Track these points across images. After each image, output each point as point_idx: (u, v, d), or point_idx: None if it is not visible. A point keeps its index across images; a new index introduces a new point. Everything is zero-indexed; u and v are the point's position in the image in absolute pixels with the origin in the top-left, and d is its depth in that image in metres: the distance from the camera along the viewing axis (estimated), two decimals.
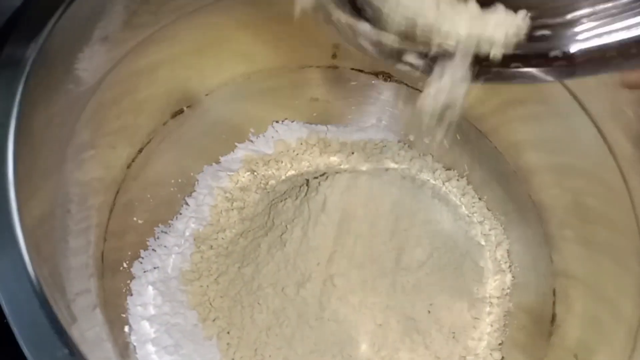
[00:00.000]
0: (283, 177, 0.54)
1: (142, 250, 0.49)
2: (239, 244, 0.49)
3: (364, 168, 0.54)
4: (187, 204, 0.53)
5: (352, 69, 0.57)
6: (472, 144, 0.56)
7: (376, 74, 0.57)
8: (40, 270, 0.27)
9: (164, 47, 0.45)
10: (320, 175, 0.49)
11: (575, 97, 0.44)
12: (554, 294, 0.50)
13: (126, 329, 0.45)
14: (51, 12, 0.33)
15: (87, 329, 0.37)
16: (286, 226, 0.46)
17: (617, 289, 0.43)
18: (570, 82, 0.44)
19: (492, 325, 0.49)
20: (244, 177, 0.54)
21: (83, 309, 0.38)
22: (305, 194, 0.47)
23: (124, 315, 0.45)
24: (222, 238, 0.50)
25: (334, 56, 0.56)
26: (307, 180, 0.50)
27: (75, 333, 0.33)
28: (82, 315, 0.37)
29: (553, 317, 0.49)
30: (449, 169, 0.57)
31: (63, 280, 0.36)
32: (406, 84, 0.57)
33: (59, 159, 0.36)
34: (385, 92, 0.58)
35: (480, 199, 0.55)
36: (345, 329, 0.44)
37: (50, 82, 0.33)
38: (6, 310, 0.25)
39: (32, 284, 0.25)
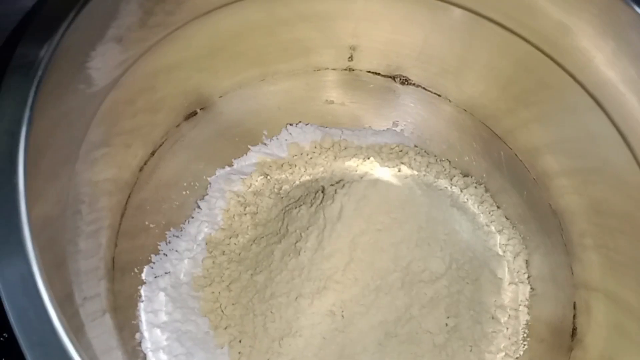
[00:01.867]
0: (297, 182, 0.53)
1: (153, 255, 0.48)
2: (251, 250, 0.48)
3: (380, 174, 0.52)
4: (199, 207, 0.52)
5: (369, 71, 0.56)
6: (490, 150, 0.55)
7: (393, 77, 0.56)
8: (48, 277, 0.26)
9: (178, 49, 0.44)
10: (337, 182, 0.48)
11: (595, 99, 0.42)
12: (575, 307, 0.49)
13: (137, 336, 0.44)
14: (65, 12, 0.32)
15: (96, 335, 0.36)
16: (301, 234, 0.45)
17: None
18: (594, 89, 0.43)
19: (510, 338, 0.48)
20: (257, 181, 0.53)
21: (92, 314, 0.38)
22: (321, 202, 0.46)
23: (134, 322, 0.44)
24: (235, 243, 0.49)
25: (350, 58, 0.55)
26: (323, 187, 0.49)
27: (84, 340, 0.32)
28: (91, 321, 0.37)
29: (574, 331, 0.47)
30: (466, 176, 0.56)
31: (72, 284, 0.35)
32: (423, 88, 0.56)
33: (71, 160, 0.35)
34: (402, 95, 0.57)
35: (498, 207, 0.54)
36: (361, 341, 0.43)
37: (63, 83, 0.33)
38: (12, 320, 0.24)
39: (40, 295, 0.24)
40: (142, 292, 0.46)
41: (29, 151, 0.27)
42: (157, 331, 0.45)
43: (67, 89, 0.33)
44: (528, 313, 0.50)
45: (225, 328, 0.45)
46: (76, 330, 0.30)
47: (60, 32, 0.31)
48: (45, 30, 0.31)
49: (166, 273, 0.48)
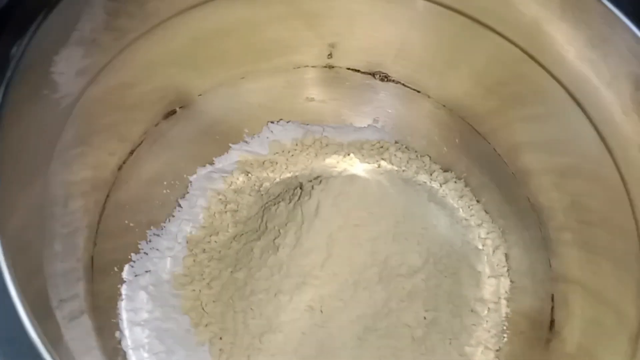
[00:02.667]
0: (277, 180, 0.53)
1: (133, 254, 0.48)
2: (232, 247, 0.48)
3: (360, 170, 0.53)
4: (180, 206, 0.52)
5: (348, 68, 0.56)
6: (470, 145, 0.55)
7: (373, 74, 0.56)
8: (20, 282, 0.26)
9: (155, 47, 0.44)
10: (314, 179, 0.48)
11: (574, 98, 0.43)
12: (553, 299, 0.49)
13: (117, 334, 0.44)
14: (35, 13, 0.32)
15: (75, 336, 0.36)
16: (279, 230, 0.45)
17: (617, 293, 0.42)
18: (570, 84, 0.43)
19: (489, 331, 0.48)
20: (238, 179, 0.53)
21: (70, 315, 0.37)
22: (299, 198, 0.46)
23: (114, 321, 0.44)
24: (215, 241, 0.49)
25: (330, 56, 0.55)
26: (301, 184, 0.49)
27: (61, 342, 0.32)
28: (69, 322, 0.37)
29: (552, 323, 0.48)
30: (446, 171, 0.56)
31: (48, 286, 0.35)
32: (403, 84, 0.56)
33: (45, 162, 0.35)
34: (382, 92, 0.57)
35: (478, 201, 0.54)
36: (340, 336, 0.43)
37: (35, 86, 0.32)
38: None
39: (11, 299, 0.24)
40: (123, 290, 0.46)
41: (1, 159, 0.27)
42: (138, 329, 0.45)
43: (38, 91, 0.33)
44: (507, 306, 0.50)
45: (206, 325, 0.45)
46: (52, 333, 0.30)
47: (30, 33, 0.31)
48: (15, 32, 0.31)
49: (147, 272, 0.48)
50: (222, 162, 0.55)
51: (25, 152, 0.32)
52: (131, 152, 0.49)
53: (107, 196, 0.46)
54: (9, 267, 0.26)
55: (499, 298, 0.50)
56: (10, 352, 0.24)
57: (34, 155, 0.33)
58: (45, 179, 0.35)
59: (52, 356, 0.25)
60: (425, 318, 0.45)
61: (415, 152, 0.57)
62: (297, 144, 0.56)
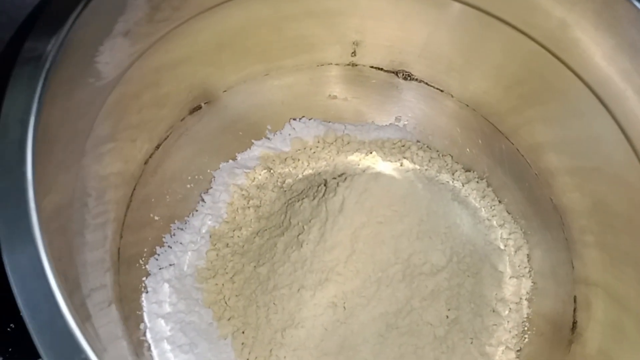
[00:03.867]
0: (300, 176, 0.54)
1: (158, 247, 0.49)
2: (254, 242, 0.49)
3: (382, 168, 0.53)
4: (203, 200, 0.52)
5: (372, 67, 0.57)
6: (493, 145, 0.55)
7: (396, 73, 0.56)
8: (56, 266, 0.26)
9: (183, 44, 0.45)
10: (339, 176, 0.49)
11: (598, 97, 0.43)
12: (575, 301, 0.49)
13: (141, 326, 0.44)
14: (72, 6, 0.32)
15: (102, 325, 0.37)
16: (303, 227, 0.46)
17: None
18: (595, 85, 0.43)
19: (510, 332, 0.48)
20: (260, 174, 0.54)
21: (98, 304, 0.38)
22: (323, 195, 0.47)
23: (139, 313, 0.45)
24: (238, 236, 0.50)
25: (354, 54, 0.56)
26: (325, 180, 0.49)
27: (90, 330, 0.33)
28: (98, 311, 0.37)
29: (574, 325, 0.48)
30: (468, 171, 0.56)
31: (79, 275, 0.36)
32: (426, 83, 0.56)
33: (78, 153, 0.36)
34: (405, 90, 0.57)
35: (500, 201, 0.54)
36: (362, 333, 0.44)
37: (70, 77, 0.33)
38: (21, 305, 0.25)
39: (48, 281, 0.25)
40: (147, 283, 0.47)
41: (38, 141, 0.27)
42: (161, 322, 0.45)
43: (74, 82, 0.33)
44: (529, 307, 0.50)
45: (229, 319, 0.46)
46: (84, 319, 0.31)
47: (67, 26, 0.32)
48: (54, 24, 0.32)
49: (170, 265, 0.48)
50: (244, 158, 0.55)
51: (62, 138, 0.32)
52: (157, 147, 0.50)
53: (134, 190, 0.47)
54: (45, 248, 0.26)
55: (520, 299, 0.50)
56: (47, 336, 0.25)
57: (70, 143, 0.34)
58: (79, 168, 0.36)
59: (85, 338, 0.26)
60: (447, 317, 0.45)
61: (437, 151, 0.57)
62: (318, 141, 0.56)
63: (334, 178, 0.48)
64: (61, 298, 0.25)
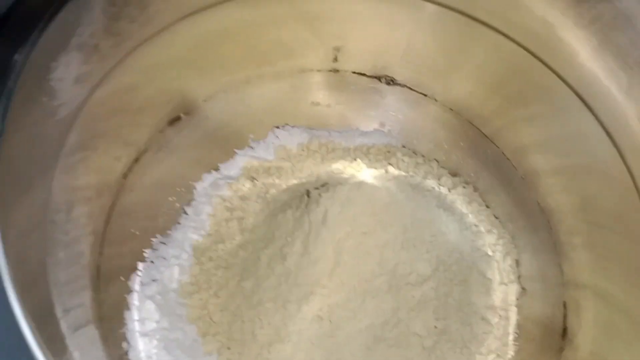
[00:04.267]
0: (284, 186, 0.53)
1: (139, 262, 0.48)
2: (239, 256, 0.48)
3: (367, 176, 0.52)
4: (185, 213, 0.51)
5: (354, 72, 0.56)
6: (478, 148, 0.54)
7: (379, 78, 0.56)
8: (23, 292, 0.25)
9: (159, 53, 0.44)
10: (322, 186, 0.48)
11: (580, 96, 0.42)
12: (565, 306, 0.49)
13: (124, 345, 0.43)
14: (37, 19, 0.31)
15: (80, 346, 0.36)
16: (287, 239, 0.45)
17: (631, 298, 0.42)
18: (575, 81, 0.42)
19: (500, 339, 0.48)
20: (244, 185, 0.53)
21: (75, 325, 0.37)
22: (306, 206, 0.46)
23: (121, 331, 0.44)
24: (222, 249, 0.49)
25: (335, 59, 0.55)
26: (308, 191, 0.48)
27: (66, 353, 0.32)
28: (74, 331, 0.36)
29: (564, 330, 0.47)
30: (455, 175, 0.55)
31: (52, 295, 0.34)
32: (409, 88, 0.56)
33: (47, 169, 0.35)
34: (389, 96, 0.56)
35: (487, 206, 0.54)
36: (349, 346, 0.43)
37: (37, 92, 0.32)
38: None
39: (13, 313, 0.24)
40: (130, 300, 0.45)
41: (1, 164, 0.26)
42: (145, 340, 0.44)
43: (39, 98, 0.32)
44: (518, 313, 0.49)
45: (214, 335, 0.45)
46: (55, 343, 0.30)
47: (32, 39, 0.31)
48: (17, 38, 0.31)
49: (154, 280, 0.47)
50: (227, 168, 0.54)
51: (25, 158, 0.31)
52: (136, 159, 0.48)
53: (113, 204, 0.46)
54: (10, 275, 0.25)
55: (510, 305, 0.49)
56: None
57: (35, 162, 0.33)
58: (48, 185, 0.35)
59: None
60: (435, 327, 0.45)
61: (423, 156, 0.56)
62: (303, 149, 0.55)
63: (317, 188, 0.48)
64: (26, 326, 0.24)
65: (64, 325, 0.34)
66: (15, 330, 0.24)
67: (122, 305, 0.45)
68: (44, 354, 0.24)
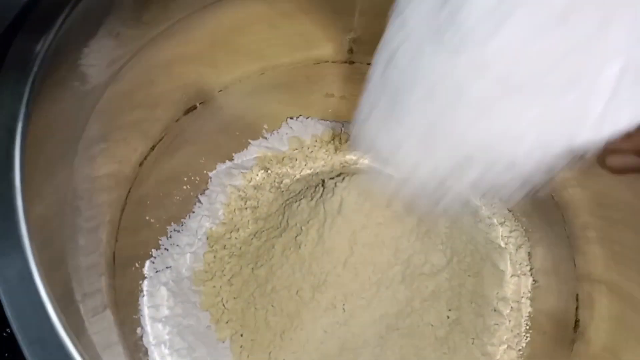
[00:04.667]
0: (297, 176, 0.53)
1: (154, 250, 0.48)
2: (252, 244, 0.48)
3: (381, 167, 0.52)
4: (200, 202, 0.52)
5: (369, 64, 0.55)
6: None
7: None
8: (46, 274, 0.26)
9: (177, 44, 0.44)
10: (337, 176, 0.48)
11: None
12: (577, 299, 0.48)
13: (138, 330, 0.44)
14: (61, 7, 0.32)
15: (97, 331, 0.36)
16: (301, 228, 0.45)
17: None
18: None
19: (512, 330, 0.48)
20: (257, 175, 0.53)
21: (93, 310, 0.38)
22: (321, 195, 0.46)
23: (135, 317, 0.44)
24: (236, 238, 0.49)
25: (350, 51, 0.55)
26: (323, 181, 0.48)
27: (84, 336, 0.32)
28: (92, 316, 0.37)
29: (576, 323, 0.47)
30: None
31: (72, 280, 0.35)
32: None
33: (69, 156, 0.35)
34: None
35: (500, 199, 0.54)
36: (362, 335, 0.43)
37: (59, 79, 0.32)
38: (10, 317, 0.24)
39: (38, 293, 0.24)
40: (144, 286, 0.46)
41: (26, 147, 0.27)
42: (159, 325, 0.45)
43: (64, 84, 0.33)
44: (530, 305, 0.49)
45: (227, 322, 0.45)
46: (76, 326, 0.30)
47: (56, 27, 0.31)
48: (41, 26, 0.31)
49: (167, 267, 0.48)
50: (241, 158, 0.55)
51: (51, 142, 0.32)
52: (152, 148, 0.49)
53: (129, 192, 0.47)
54: (34, 256, 0.26)
55: (522, 297, 0.49)
56: (38, 350, 0.24)
57: (60, 146, 0.33)
58: (70, 171, 0.35)
59: (77, 349, 0.25)
60: (448, 317, 0.45)
61: None
62: (316, 140, 0.55)
63: (332, 178, 0.48)
64: (52, 310, 0.24)
65: (82, 310, 0.35)
66: (40, 313, 0.25)
67: (137, 292, 0.46)
68: (69, 336, 0.25)
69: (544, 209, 0.51)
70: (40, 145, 0.30)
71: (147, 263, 0.47)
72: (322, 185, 0.47)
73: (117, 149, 0.43)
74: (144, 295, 0.45)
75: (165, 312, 0.45)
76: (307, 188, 0.50)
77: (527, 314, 0.49)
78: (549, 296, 0.49)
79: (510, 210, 0.53)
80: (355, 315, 0.43)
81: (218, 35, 0.47)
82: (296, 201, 0.48)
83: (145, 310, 0.45)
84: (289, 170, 0.54)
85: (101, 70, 0.37)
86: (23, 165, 0.26)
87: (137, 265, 0.46)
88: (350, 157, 0.54)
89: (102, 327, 0.39)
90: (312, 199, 0.46)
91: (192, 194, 0.52)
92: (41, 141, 0.29)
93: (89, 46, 0.35)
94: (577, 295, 0.48)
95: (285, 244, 0.46)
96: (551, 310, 0.49)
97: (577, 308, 0.48)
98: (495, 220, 0.52)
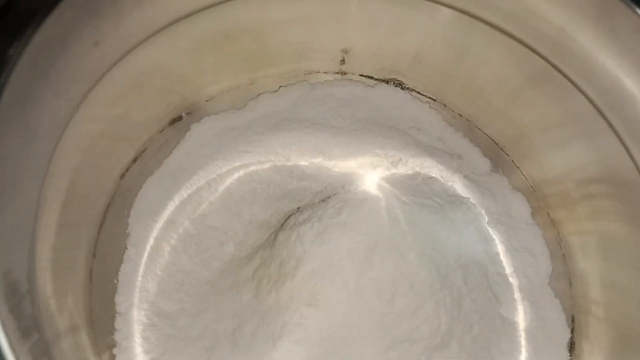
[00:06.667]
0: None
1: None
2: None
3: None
4: None
5: (362, 75, 0.54)
6: (487, 154, 0.53)
7: (386, 81, 0.54)
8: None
9: (162, 51, 0.42)
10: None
11: (595, 106, 0.41)
12: (573, 320, 0.47)
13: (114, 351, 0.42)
14: (35, 13, 0.30)
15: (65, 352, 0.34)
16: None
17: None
18: (595, 94, 0.41)
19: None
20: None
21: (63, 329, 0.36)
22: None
23: (111, 337, 0.42)
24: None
25: (342, 62, 0.53)
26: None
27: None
28: (63, 337, 0.35)
29: (572, 346, 0.46)
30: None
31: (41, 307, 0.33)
32: (417, 92, 0.54)
33: (40, 173, 0.33)
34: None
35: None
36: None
37: (31, 87, 0.31)
38: None
39: None
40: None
41: None
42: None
43: (35, 95, 0.31)
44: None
45: None
46: (41, 354, 0.28)
47: (29, 32, 0.29)
48: (15, 30, 0.29)
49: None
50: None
51: (16, 159, 0.30)
52: (134, 160, 0.47)
53: (109, 205, 0.45)
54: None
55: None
56: None
57: (28, 163, 0.31)
58: (42, 187, 0.33)
59: None
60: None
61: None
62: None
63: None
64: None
65: (49, 332, 0.33)
66: None
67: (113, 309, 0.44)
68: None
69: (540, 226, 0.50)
70: (6, 162, 0.28)
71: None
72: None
73: (94, 162, 0.41)
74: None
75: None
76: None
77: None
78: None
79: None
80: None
81: (205, 44, 0.46)
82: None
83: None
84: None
85: (78, 79, 0.35)
86: None
87: (115, 281, 0.44)
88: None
89: (72, 346, 0.37)
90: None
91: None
92: (7, 159, 0.27)
93: (68, 53, 0.33)
94: (572, 316, 0.47)
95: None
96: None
97: (572, 329, 0.47)
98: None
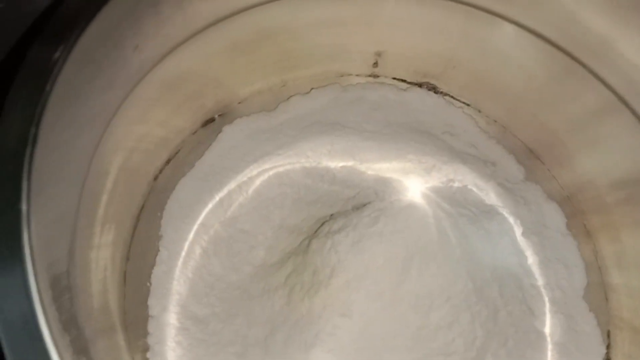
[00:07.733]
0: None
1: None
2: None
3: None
4: None
5: (394, 78, 0.54)
6: (523, 162, 0.52)
7: (420, 85, 0.53)
8: (49, 311, 0.24)
9: (196, 55, 0.42)
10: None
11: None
12: (609, 336, 0.46)
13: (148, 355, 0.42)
14: (80, 18, 0.30)
15: (104, 354, 0.34)
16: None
17: None
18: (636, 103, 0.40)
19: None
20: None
21: (98, 330, 0.36)
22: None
23: (144, 339, 0.42)
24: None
25: (375, 64, 0.53)
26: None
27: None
28: (99, 339, 0.35)
29: None
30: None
31: (77, 304, 0.33)
32: (451, 96, 0.53)
33: (81, 175, 0.33)
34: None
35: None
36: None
37: (75, 91, 0.30)
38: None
39: (41, 336, 0.22)
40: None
41: (34, 173, 0.24)
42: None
43: (79, 100, 0.31)
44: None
45: None
46: (80, 351, 0.28)
47: (74, 38, 0.29)
48: (59, 36, 0.29)
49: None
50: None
51: (58, 164, 0.30)
52: (168, 161, 0.47)
53: (142, 206, 0.45)
54: (39, 294, 0.24)
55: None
56: None
57: (71, 161, 0.31)
58: (81, 191, 0.33)
59: None
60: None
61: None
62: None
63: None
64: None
65: (87, 331, 0.33)
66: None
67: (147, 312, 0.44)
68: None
69: (577, 237, 0.49)
70: (53, 158, 0.27)
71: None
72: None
73: (131, 166, 0.41)
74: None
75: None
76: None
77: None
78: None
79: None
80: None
81: (238, 48, 0.45)
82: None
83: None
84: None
85: (118, 82, 0.35)
86: (30, 193, 0.24)
87: (148, 284, 0.44)
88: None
89: (109, 348, 0.37)
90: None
91: None
92: (49, 164, 0.27)
93: (109, 57, 0.33)
94: (608, 331, 0.46)
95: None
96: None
97: (608, 346, 0.46)
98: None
